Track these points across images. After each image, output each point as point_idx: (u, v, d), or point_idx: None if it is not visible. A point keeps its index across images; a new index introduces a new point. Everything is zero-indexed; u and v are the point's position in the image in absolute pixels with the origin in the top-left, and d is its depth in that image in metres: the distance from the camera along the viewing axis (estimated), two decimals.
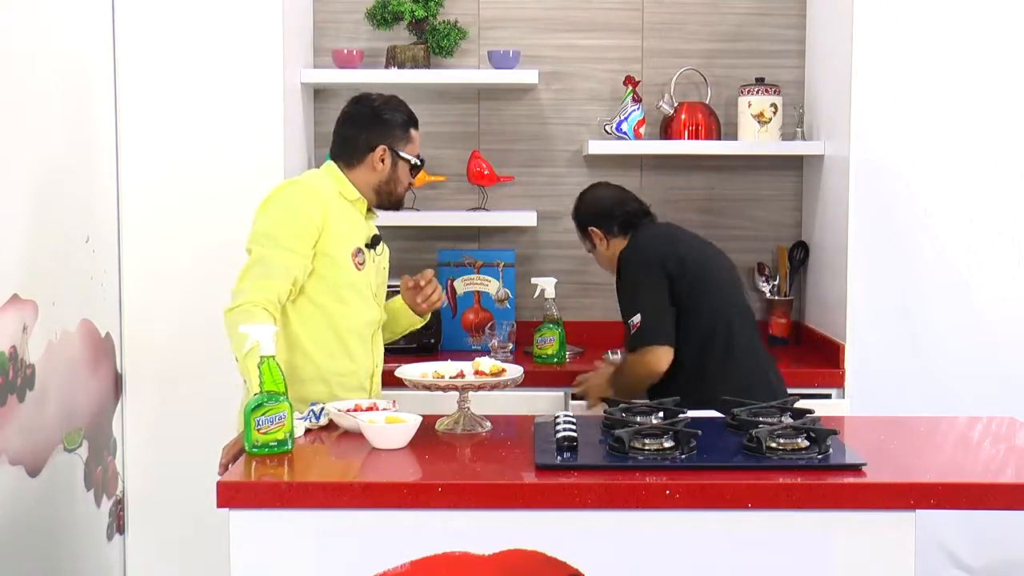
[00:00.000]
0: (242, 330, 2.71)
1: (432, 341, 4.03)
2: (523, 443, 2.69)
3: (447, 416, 2.86)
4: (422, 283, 3.20)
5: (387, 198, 3.14)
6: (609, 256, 3.49)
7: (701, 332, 3.26)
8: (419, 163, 3.15)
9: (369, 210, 3.17)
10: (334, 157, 3.15)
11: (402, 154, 3.10)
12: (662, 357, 3.22)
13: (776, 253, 4.36)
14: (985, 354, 3.82)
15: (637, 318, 3.26)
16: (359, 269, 3.05)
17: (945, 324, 3.83)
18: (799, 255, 4.28)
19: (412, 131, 3.13)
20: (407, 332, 3.34)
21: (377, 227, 3.23)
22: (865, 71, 3.75)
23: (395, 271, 4.26)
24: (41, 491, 3.13)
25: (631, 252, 3.39)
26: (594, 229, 3.51)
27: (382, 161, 3.09)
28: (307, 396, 2.93)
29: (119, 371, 3.69)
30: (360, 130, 3.10)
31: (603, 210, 3.54)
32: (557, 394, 3.70)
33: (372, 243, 3.13)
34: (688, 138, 4.20)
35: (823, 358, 3.94)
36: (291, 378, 2.86)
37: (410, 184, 3.18)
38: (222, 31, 3.66)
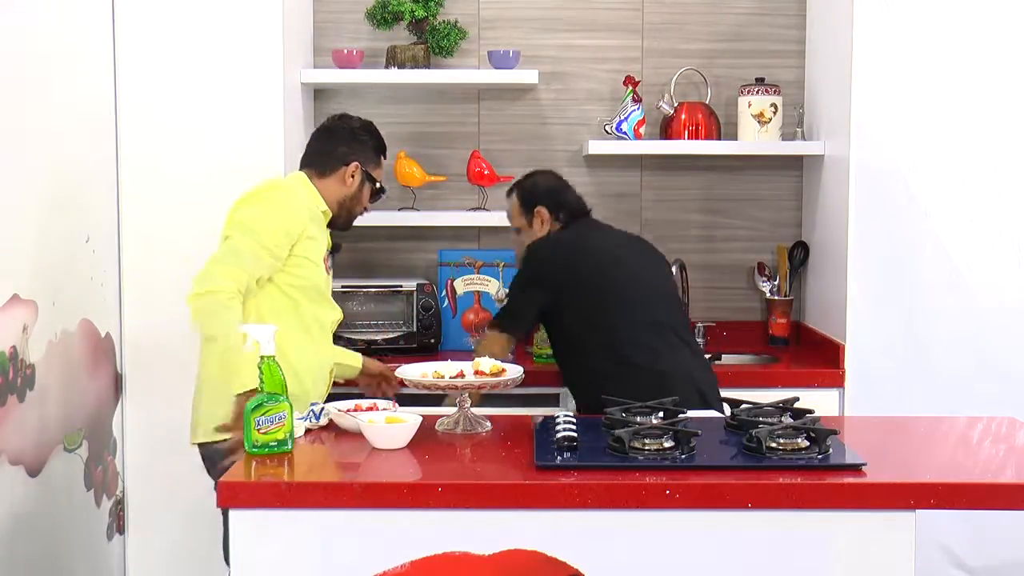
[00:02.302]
0: (242, 330, 2.73)
1: (432, 341, 4.04)
2: (523, 443, 2.69)
3: (447, 416, 2.86)
4: (390, 386, 3.32)
5: (346, 215, 3.24)
6: None
7: (596, 342, 3.27)
8: (382, 189, 3.29)
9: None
10: (305, 166, 3.24)
11: (369, 175, 3.24)
12: (496, 342, 3.38)
13: (776, 253, 4.36)
14: (985, 354, 3.81)
15: (504, 295, 3.46)
16: (328, 273, 3.18)
17: (945, 324, 3.82)
18: (799, 255, 4.28)
19: (382, 158, 3.29)
20: None
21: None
22: (865, 71, 3.74)
23: (395, 271, 4.28)
24: (41, 491, 3.13)
25: (539, 248, 3.44)
26: (542, 209, 3.51)
27: (352, 176, 3.20)
28: (301, 365, 3.05)
29: (119, 371, 3.69)
30: (338, 143, 3.22)
31: (558, 193, 3.57)
32: (557, 394, 3.70)
33: (334, 250, 3.25)
34: (688, 138, 4.20)
35: (823, 358, 3.94)
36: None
37: (366, 209, 3.30)
38: (222, 31, 3.66)
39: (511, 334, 3.41)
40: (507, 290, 3.52)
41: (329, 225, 3.23)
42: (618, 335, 3.25)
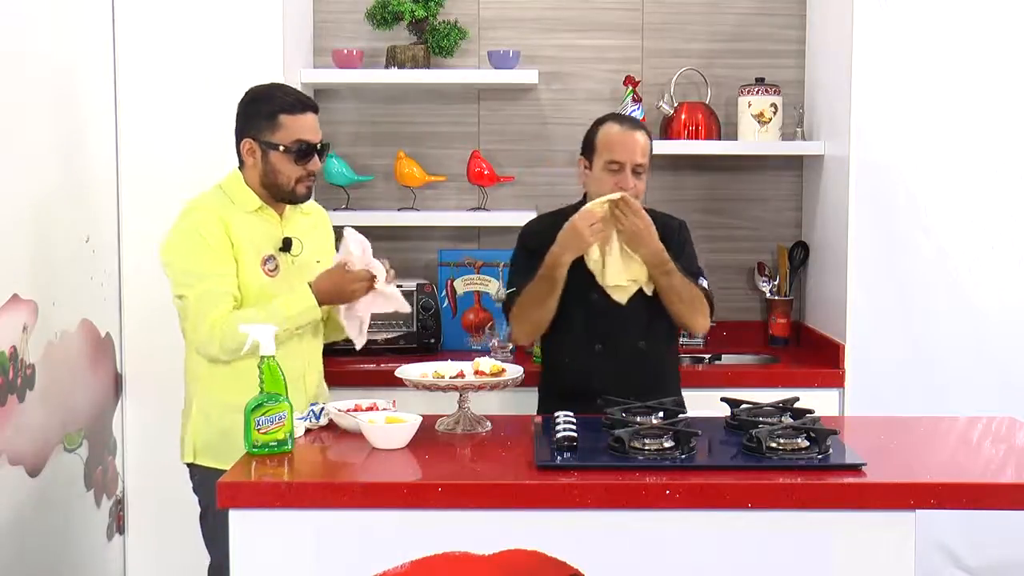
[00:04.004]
0: (242, 329, 2.72)
1: (432, 341, 4.04)
2: (523, 443, 2.69)
3: (447, 416, 2.86)
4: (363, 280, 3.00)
5: (276, 191, 3.00)
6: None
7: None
8: (293, 149, 2.95)
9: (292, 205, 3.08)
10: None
11: (266, 143, 2.96)
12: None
13: (776, 253, 4.36)
14: (985, 354, 3.82)
15: (704, 283, 3.22)
16: (271, 276, 2.98)
17: (945, 324, 3.82)
18: (799, 255, 4.28)
19: (282, 117, 2.96)
20: (339, 338, 3.22)
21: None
22: (865, 71, 3.75)
23: (395, 271, 4.27)
24: (41, 491, 3.13)
25: None
26: None
27: (252, 155, 3.00)
28: (235, 401, 2.76)
29: (119, 371, 3.69)
30: (237, 130, 3.05)
31: None
32: None
33: (285, 246, 3.03)
34: (688, 138, 4.20)
35: (823, 358, 3.94)
36: (214, 387, 2.95)
37: (307, 174, 2.99)
38: (222, 31, 3.66)
39: None
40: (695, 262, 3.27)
41: (286, 200, 3.03)
42: None
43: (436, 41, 4.18)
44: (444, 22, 4.20)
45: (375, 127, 4.33)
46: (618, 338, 3.18)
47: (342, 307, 3.02)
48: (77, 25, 3.40)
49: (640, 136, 3.18)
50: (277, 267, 3.00)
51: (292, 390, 2.90)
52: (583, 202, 3.21)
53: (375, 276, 2.97)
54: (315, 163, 3.01)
